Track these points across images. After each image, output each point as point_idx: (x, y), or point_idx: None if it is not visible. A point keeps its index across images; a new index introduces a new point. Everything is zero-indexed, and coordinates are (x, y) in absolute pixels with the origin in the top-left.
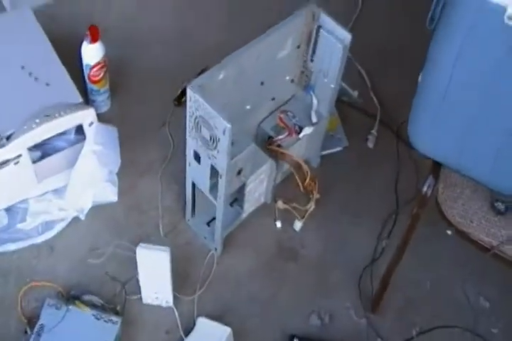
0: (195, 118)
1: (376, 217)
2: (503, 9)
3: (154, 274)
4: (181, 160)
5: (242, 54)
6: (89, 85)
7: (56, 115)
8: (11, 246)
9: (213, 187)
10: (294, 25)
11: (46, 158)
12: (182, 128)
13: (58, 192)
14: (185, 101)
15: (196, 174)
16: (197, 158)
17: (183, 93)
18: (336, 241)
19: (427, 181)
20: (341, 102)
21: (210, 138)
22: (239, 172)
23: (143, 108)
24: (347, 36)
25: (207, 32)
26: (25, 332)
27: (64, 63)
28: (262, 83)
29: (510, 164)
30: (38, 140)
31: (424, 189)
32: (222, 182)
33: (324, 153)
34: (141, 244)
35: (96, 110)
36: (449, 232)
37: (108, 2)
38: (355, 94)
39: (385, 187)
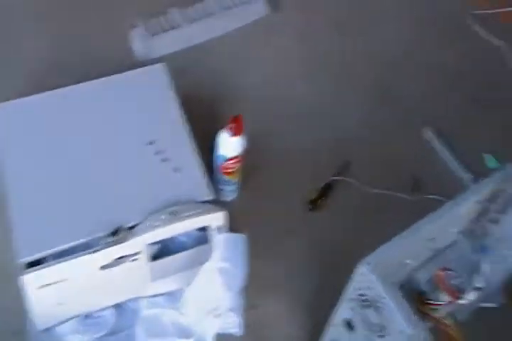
0: (361, 294)
1: None
2: None
3: None
4: (307, 276)
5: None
6: (220, 175)
7: (183, 215)
8: None
9: None
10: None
11: (165, 257)
12: (308, 239)
13: (171, 299)
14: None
15: (339, 337)
16: (348, 325)
17: (322, 194)
18: None
19: None
20: None
21: (377, 324)
22: None
23: (271, 204)
24: None
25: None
26: None
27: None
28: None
29: None
30: (160, 238)
31: None
32: None
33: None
34: None
35: (221, 198)
36: None
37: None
38: None
39: None
